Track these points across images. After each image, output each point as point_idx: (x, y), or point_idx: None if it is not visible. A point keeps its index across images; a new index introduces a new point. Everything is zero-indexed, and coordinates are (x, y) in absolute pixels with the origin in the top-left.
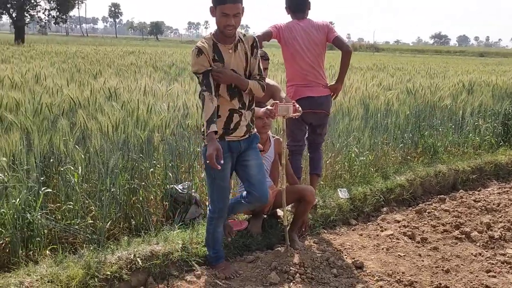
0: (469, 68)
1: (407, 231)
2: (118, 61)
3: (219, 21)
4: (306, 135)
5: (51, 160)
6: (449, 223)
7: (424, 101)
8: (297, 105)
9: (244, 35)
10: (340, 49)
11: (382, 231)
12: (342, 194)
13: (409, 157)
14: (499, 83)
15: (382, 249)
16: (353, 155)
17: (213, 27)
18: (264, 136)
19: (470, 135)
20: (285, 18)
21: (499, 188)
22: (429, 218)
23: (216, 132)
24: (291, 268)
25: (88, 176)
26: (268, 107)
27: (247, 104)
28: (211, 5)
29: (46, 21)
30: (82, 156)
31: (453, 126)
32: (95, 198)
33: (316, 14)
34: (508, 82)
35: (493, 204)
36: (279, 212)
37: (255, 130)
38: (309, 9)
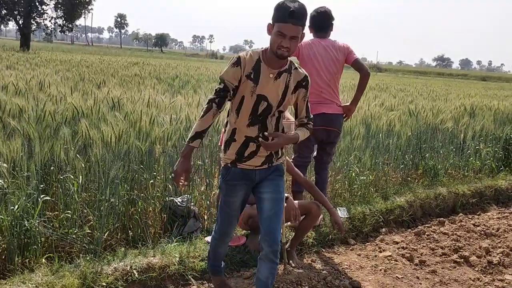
0: (471, 92)
1: (406, 253)
2: (122, 71)
3: (274, 40)
4: (315, 153)
5: (52, 168)
6: (448, 247)
7: (426, 123)
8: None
9: (297, 68)
10: (359, 72)
11: (380, 251)
12: (342, 213)
13: (409, 178)
14: (500, 107)
15: (380, 270)
16: (353, 174)
17: (217, 40)
18: None
19: (471, 158)
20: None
21: (499, 213)
22: (428, 240)
23: (193, 149)
24: (288, 286)
25: (88, 185)
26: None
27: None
28: (270, 22)
29: (52, 29)
30: (83, 165)
31: (454, 149)
32: (94, 208)
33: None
34: (510, 107)
35: (492, 229)
36: None
37: (282, 159)
38: (332, 30)
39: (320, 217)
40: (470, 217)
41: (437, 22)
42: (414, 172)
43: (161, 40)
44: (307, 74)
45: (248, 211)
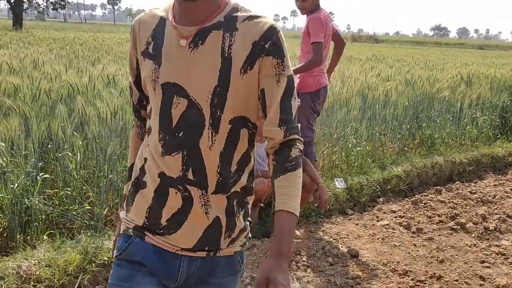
0: (468, 61)
1: (403, 221)
2: (116, 48)
3: None
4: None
5: (49, 146)
6: (444, 214)
7: (423, 93)
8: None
9: (248, 16)
10: (337, 42)
11: (378, 221)
12: (339, 184)
13: (406, 148)
14: (497, 75)
15: (378, 238)
16: (350, 145)
17: None
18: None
19: (468, 127)
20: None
21: (495, 180)
22: (425, 209)
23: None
24: None
25: (86, 162)
26: None
27: (208, 181)
28: None
29: (44, 6)
30: (80, 142)
31: (451, 118)
32: (93, 185)
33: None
34: (506, 75)
35: (489, 196)
36: None
37: (242, 246)
38: None
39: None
40: (467, 185)
41: None
42: (411, 142)
43: None
44: (274, 25)
45: None
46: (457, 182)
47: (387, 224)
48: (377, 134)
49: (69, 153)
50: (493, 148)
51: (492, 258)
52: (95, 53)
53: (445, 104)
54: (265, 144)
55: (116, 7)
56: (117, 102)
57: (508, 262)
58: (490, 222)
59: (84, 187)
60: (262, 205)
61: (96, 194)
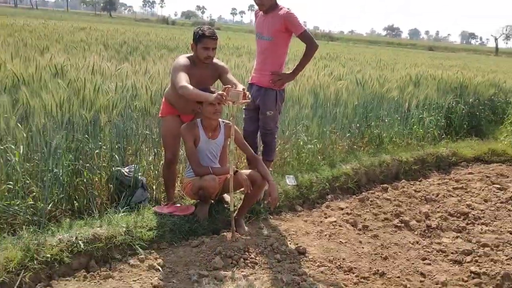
0: (418, 61)
1: (350, 218)
2: (67, 37)
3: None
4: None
5: None
6: (389, 212)
7: (373, 93)
8: (247, 92)
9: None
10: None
11: (326, 217)
12: (289, 181)
13: (355, 146)
14: (444, 77)
15: (325, 235)
16: (301, 143)
17: (168, 5)
18: (214, 122)
19: (415, 127)
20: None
21: (439, 179)
22: (372, 206)
23: None
24: (235, 253)
25: (30, 155)
26: (220, 92)
27: None
28: None
29: None
30: (24, 135)
31: (398, 118)
32: (37, 179)
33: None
34: (453, 76)
35: (433, 194)
36: (227, 197)
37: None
38: None
39: (266, 187)
40: (412, 183)
41: None
42: (360, 140)
43: (110, 4)
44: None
45: (198, 182)
46: (403, 180)
47: (335, 221)
48: (327, 132)
49: (12, 146)
50: (437, 148)
51: (433, 255)
52: (45, 42)
53: (393, 104)
54: (217, 140)
55: None
56: (63, 94)
57: (448, 259)
58: (432, 220)
59: (28, 181)
60: (212, 201)
61: (40, 188)
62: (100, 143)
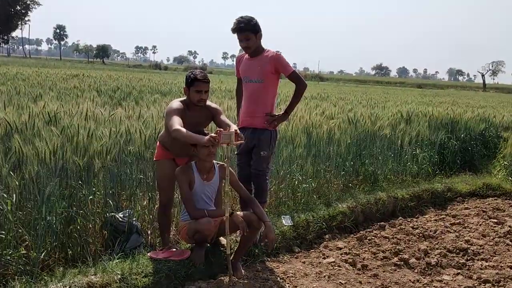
0: (408, 99)
1: (348, 258)
2: (60, 84)
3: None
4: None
5: None
6: (388, 250)
7: (365, 130)
8: (240, 133)
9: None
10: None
11: (324, 258)
12: (286, 221)
13: (350, 184)
14: (435, 114)
15: (324, 276)
16: (296, 182)
17: (161, 51)
18: (208, 164)
19: (408, 163)
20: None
21: (436, 215)
22: (370, 245)
23: None
24: None
25: (23, 203)
26: (212, 134)
27: None
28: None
29: None
30: (17, 183)
31: (392, 155)
32: (29, 227)
33: (265, 43)
34: (443, 113)
35: (430, 231)
36: (223, 240)
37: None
38: None
39: (262, 229)
40: (409, 220)
41: (376, 34)
42: (355, 178)
43: (103, 52)
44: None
45: (194, 225)
46: (400, 217)
47: (333, 262)
48: (322, 171)
49: (4, 194)
50: (432, 184)
51: None
52: (38, 89)
53: (386, 142)
54: (212, 182)
55: (62, 42)
56: (57, 140)
57: None
58: (432, 257)
59: (20, 230)
60: (208, 245)
61: (32, 237)
62: (94, 189)
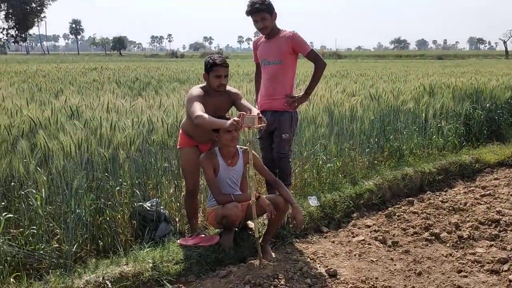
0: (429, 71)
1: (378, 235)
2: (80, 78)
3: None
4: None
5: (12, 183)
6: (418, 225)
7: (388, 106)
8: (262, 116)
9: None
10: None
11: (353, 237)
12: (312, 201)
13: (376, 161)
14: (458, 84)
15: (355, 255)
16: (321, 162)
17: (176, 39)
18: (232, 149)
19: (434, 137)
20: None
21: (465, 187)
22: (399, 221)
23: None
24: (265, 280)
25: (52, 198)
26: (235, 118)
27: None
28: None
29: (5, 40)
30: (44, 178)
31: (417, 129)
32: (60, 221)
33: (281, 23)
34: (467, 83)
35: (460, 203)
36: (251, 224)
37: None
38: None
39: (289, 211)
40: (437, 194)
41: (392, 6)
42: (380, 155)
43: (119, 43)
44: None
45: (221, 211)
46: (428, 192)
47: (363, 240)
48: (346, 149)
49: (33, 190)
50: (460, 156)
51: (469, 266)
52: (58, 85)
53: (410, 116)
54: (237, 167)
55: (79, 37)
56: (81, 134)
57: (485, 270)
58: (463, 231)
59: (51, 224)
60: (236, 229)
61: (63, 230)
62: (120, 180)
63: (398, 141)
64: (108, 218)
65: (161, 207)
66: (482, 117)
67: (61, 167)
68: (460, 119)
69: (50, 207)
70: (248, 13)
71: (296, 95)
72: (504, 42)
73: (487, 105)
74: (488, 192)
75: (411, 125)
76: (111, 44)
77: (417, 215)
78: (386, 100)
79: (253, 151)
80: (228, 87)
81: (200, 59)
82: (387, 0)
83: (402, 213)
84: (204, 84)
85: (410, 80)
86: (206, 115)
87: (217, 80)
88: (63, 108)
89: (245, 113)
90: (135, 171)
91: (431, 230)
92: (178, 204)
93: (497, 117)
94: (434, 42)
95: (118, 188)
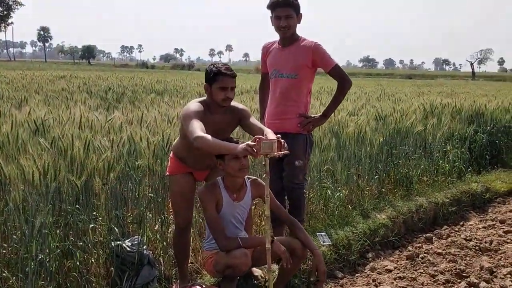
0: (405, 90)
1: (406, 285)
2: (47, 86)
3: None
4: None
5: None
6: (448, 271)
7: (396, 128)
8: (282, 140)
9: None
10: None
11: (376, 285)
12: (323, 239)
13: (383, 189)
14: (457, 105)
15: None
16: (329, 191)
17: (146, 50)
18: (240, 180)
19: (441, 162)
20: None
21: (480, 220)
22: (424, 265)
23: None
24: None
25: (7, 239)
26: (249, 142)
27: None
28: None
29: None
30: None
31: (422, 153)
32: (16, 268)
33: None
34: (465, 104)
35: (485, 242)
36: (256, 271)
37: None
38: None
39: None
40: (456, 229)
41: (361, 26)
42: (389, 183)
43: (88, 52)
44: None
45: (225, 259)
46: (445, 226)
47: None
48: (354, 176)
49: None
50: (469, 184)
51: None
52: (22, 93)
53: (417, 139)
54: (244, 202)
55: (47, 44)
56: (47, 156)
57: None
58: (500, 277)
59: (4, 273)
60: (239, 278)
61: (21, 281)
62: (94, 213)
63: (406, 167)
64: (78, 263)
65: (144, 247)
66: (484, 140)
67: (20, 199)
68: (466, 143)
69: (3, 250)
70: (274, 5)
71: (312, 115)
72: (471, 64)
73: (488, 128)
74: (511, 228)
75: (418, 149)
76: (80, 53)
77: (442, 256)
78: (393, 121)
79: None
80: (233, 102)
81: (172, 71)
82: (356, 19)
83: (425, 254)
84: (204, 98)
85: (403, 100)
86: (209, 137)
87: (222, 93)
88: (26, 121)
89: (262, 136)
90: (113, 201)
91: (468, 279)
92: (164, 243)
93: (498, 140)
94: (401, 61)
95: (92, 225)
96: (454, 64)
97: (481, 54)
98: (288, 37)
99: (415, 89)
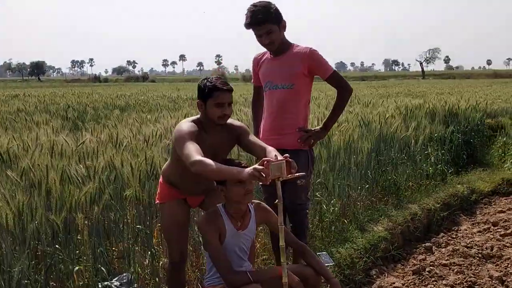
0: (367, 92)
1: None
2: (1, 108)
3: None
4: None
5: None
6: (458, 283)
7: (381, 133)
8: (291, 160)
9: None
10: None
11: None
12: (324, 258)
13: (374, 198)
14: (430, 106)
15: None
16: (324, 206)
17: (98, 63)
18: (244, 207)
19: (424, 165)
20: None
21: (473, 224)
22: (433, 279)
23: None
24: None
25: None
26: (256, 166)
27: None
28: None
29: None
30: None
31: (405, 157)
32: None
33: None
34: (437, 105)
35: (486, 248)
36: None
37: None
38: None
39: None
40: (453, 236)
41: (312, 31)
42: (378, 191)
43: (37, 68)
44: None
45: None
46: (442, 234)
47: None
48: (345, 187)
49: None
50: (455, 187)
51: None
52: None
53: (400, 143)
54: (248, 230)
55: None
56: (21, 194)
57: None
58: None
59: None
60: None
61: None
62: (77, 251)
63: (393, 173)
64: None
65: (134, 286)
66: (459, 140)
67: None
68: (446, 144)
69: None
70: (249, 25)
71: (311, 129)
72: (421, 63)
73: (462, 127)
74: (507, 231)
75: (402, 154)
76: (29, 70)
77: (448, 268)
78: (377, 127)
79: (266, 205)
80: (230, 120)
81: (126, 83)
82: (303, 22)
83: (431, 267)
84: (197, 116)
85: (373, 103)
86: (209, 161)
87: (219, 110)
88: None
89: (270, 158)
90: (96, 236)
91: None
92: (156, 279)
93: (472, 139)
94: (352, 64)
95: (76, 268)
96: (402, 64)
97: (429, 54)
98: (277, 48)
99: (374, 91)
